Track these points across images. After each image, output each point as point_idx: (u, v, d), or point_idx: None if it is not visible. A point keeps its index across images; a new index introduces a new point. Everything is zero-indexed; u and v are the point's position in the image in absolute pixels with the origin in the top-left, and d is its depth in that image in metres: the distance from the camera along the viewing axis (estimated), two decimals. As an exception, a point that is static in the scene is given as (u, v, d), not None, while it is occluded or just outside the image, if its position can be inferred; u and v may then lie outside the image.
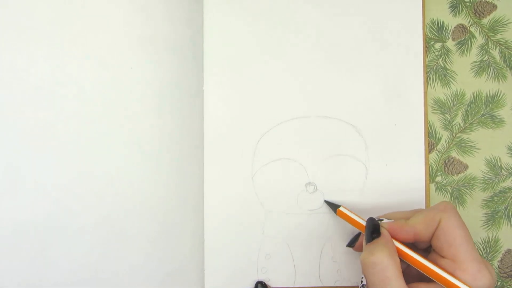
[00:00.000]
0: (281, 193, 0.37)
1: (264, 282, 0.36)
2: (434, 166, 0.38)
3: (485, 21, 0.38)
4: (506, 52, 0.38)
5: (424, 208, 0.37)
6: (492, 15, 0.38)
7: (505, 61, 0.38)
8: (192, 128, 0.36)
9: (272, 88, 0.37)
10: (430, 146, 0.38)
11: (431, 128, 0.38)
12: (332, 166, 0.37)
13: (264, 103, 0.37)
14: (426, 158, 0.37)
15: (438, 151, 0.38)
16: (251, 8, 0.37)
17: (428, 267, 0.29)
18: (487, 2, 0.38)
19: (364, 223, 0.33)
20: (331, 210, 0.36)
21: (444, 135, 0.38)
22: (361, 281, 0.33)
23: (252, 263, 0.37)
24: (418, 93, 0.37)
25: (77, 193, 0.33)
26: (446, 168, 0.38)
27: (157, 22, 0.35)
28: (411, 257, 0.30)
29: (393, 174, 0.37)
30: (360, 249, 0.34)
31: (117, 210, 0.34)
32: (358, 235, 0.35)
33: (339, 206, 0.35)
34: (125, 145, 0.35)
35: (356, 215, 0.34)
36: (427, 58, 0.38)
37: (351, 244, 0.35)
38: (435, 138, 0.38)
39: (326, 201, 0.36)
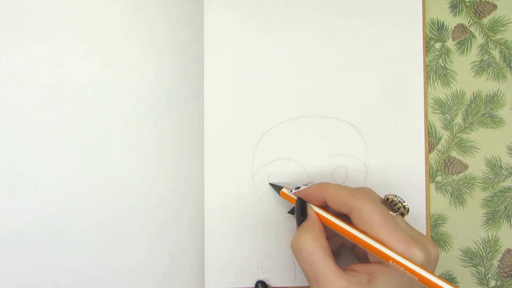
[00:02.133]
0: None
1: (264, 282, 0.36)
2: (434, 166, 0.38)
3: (485, 21, 0.38)
4: (506, 52, 0.38)
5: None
6: (492, 15, 0.38)
7: (505, 61, 0.38)
8: (192, 128, 0.36)
9: (272, 88, 0.37)
10: (430, 146, 0.38)
11: (431, 128, 0.38)
12: (332, 165, 0.37)
13: (264, 103, 0.37)
14: (426, 158, 0.37)
15: (438, 151, 0.38)
16: (251, 8, 0.37)
17: (348, 231, 0.29)
18: (487, 2, 0.38)
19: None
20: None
21: (444, 134, 0.38)
22: None
23: (252, 262, 0.37)
24: (418, 93, 0.37)
25: (77, 193, 0.33)
26: (446, 168, 0.38)
27: (158, 22, 0.35)
28: (332, 222, 0.30)
29: (393, 174, 0.37)
30: None
31: (117, 210, 0.34)
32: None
33: (282, 187, 0.35)
34: (125, 145, 0.35)
35: (295, 196, 0.33)
36: (427, 58, 0.38)
37: (292, 212, 0.34)
38: (435, 137, 0.38)
39: (270, 184, 0.36)
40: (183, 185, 0.36)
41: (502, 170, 0.37)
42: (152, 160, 0.35)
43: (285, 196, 0.34)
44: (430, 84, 0.38)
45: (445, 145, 0.38)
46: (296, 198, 0.32)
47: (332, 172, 0.37)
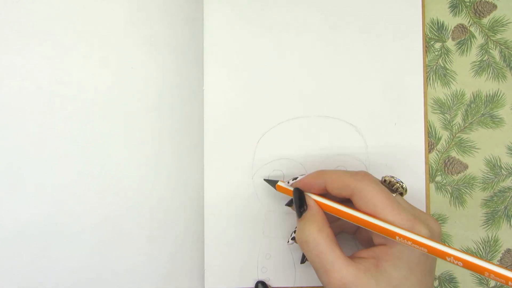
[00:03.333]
0: (281, 193, 0.37)
1: (264, 282, 0.36)
2: (434, 166, 0.38)
3: (485, 21, 0.38)
4: (506, 52, 0.38)
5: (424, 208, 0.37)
6: (492, 15, 0.38)
7: (505, 61, 0.38)
8: (192, 128, 0.36)
9: (272, 88, 0.37)
10: (430, 146, 0.38)
11: (431, 128, 0.38)
12: (332, 166, 0.37)
13: (264, 102, 0.37)
14: (426, 158, 0.37)
15: (438, 151, 0.38)
16: (251, 8, 0.37)
17: (350, 214, 0.29)
18: (487, 2, 0.38)
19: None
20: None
21: (444, 135, 0.38)
22: (291, 234, 0.34)
23: (252, 262, 0.37)
24: (418, 93, 0.37)
25: (77, 193, 0.33)
26: (446, 168, 0.38)
27: (158, 22, 0.35)
28: (334, 208, 0.30)
29: (393, 174, 0.37)
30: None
31: (117, 210, 0.34)
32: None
33: (277, 181, 0.34)
34: (125, 145, 0.35)
35: (292, 187, 0.33)
36: (427, 58, 0.38)
37: (290, 204, 0.34)
38: (435, 138, 0.38)
39: (265, 180, 0.36)
40: (183, 185, 0.36)
41: (502, 170, 0.38)
42: (152, 160, 0.35)
43: (282, 190, 0.34)
44: (430, 84, 0.38)
45: (445, 145, 0.38)
46: (293, 190, 0.32)
47: (332, 172, 0.37)
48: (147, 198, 0.35)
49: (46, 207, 0.33)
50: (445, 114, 0.38)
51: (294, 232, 0.34)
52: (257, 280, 0.36)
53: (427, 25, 0.38)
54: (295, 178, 0.33)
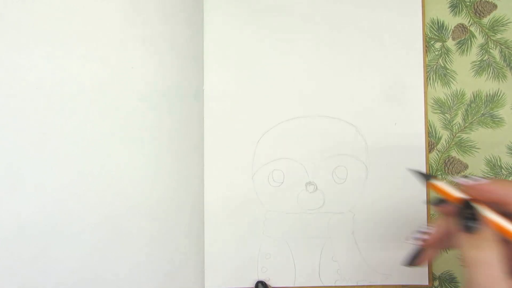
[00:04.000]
0: (281, 193, 0.37)
1: (264, 282, 0.36)
2: (434, 166, 0.38)
3: (485, 20, 0.38)
4: (506, 52, 0.38)
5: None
6: (492, 15, 0.38)
7: (505, 60, 0.38)
8: (192, 128, 0.36)
9: (272, 88, 0.37)
10: (430, 145, 0.38)
11: (431, 128, 0.38)
12: (332, 165, 0.37)
13: (264, 102, 0.37)
14: (426, 158, 0.37)
15: (438, 151, 0.38)
16: (251, 8, 0.37)
17: None
18: (487, 1, 0.38)
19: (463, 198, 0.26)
20: (332, 210, 0.36)
21: (444, 134, 0.38)
22: (415, 234, 0.28)
23: (252, 262, 0.37)
24: (418, 92, 0.37)
25: (77, 193, 0.33)
26: (446, 168, 0.38)
27: (158, 22, 0.35)
28: None
29: (393, 174, 0.37)
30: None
31: (117, 210, 0.34)
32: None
33: (430, 176, 0.28)
34: (125, 145, 0.35)
35: (451, 187, 0.26)
36: (427, 58, 0.38)
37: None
38: (435, 137, 0.38)
39: (414, 170, 0.29)
40: (183, 185, 0.36)
41: (502, 170, 0.37)
42: (152, 160, 0.35)
43: (438, 190, 0.27)
44: (430, 84, 0.38)
45: (445, 145, 0.38)
46: (459, 196, 0.26)
47: (332, 172, 0.37)
48: (147, 198, 0.35)
49: (46, 207, 0.33)
50: (445, 114, 0.38)
51: (419, 231, 0.28)
52: (257, 280, 0.36)
53: (427, 25, 0.38)
54: (465, 176, 0.27)
